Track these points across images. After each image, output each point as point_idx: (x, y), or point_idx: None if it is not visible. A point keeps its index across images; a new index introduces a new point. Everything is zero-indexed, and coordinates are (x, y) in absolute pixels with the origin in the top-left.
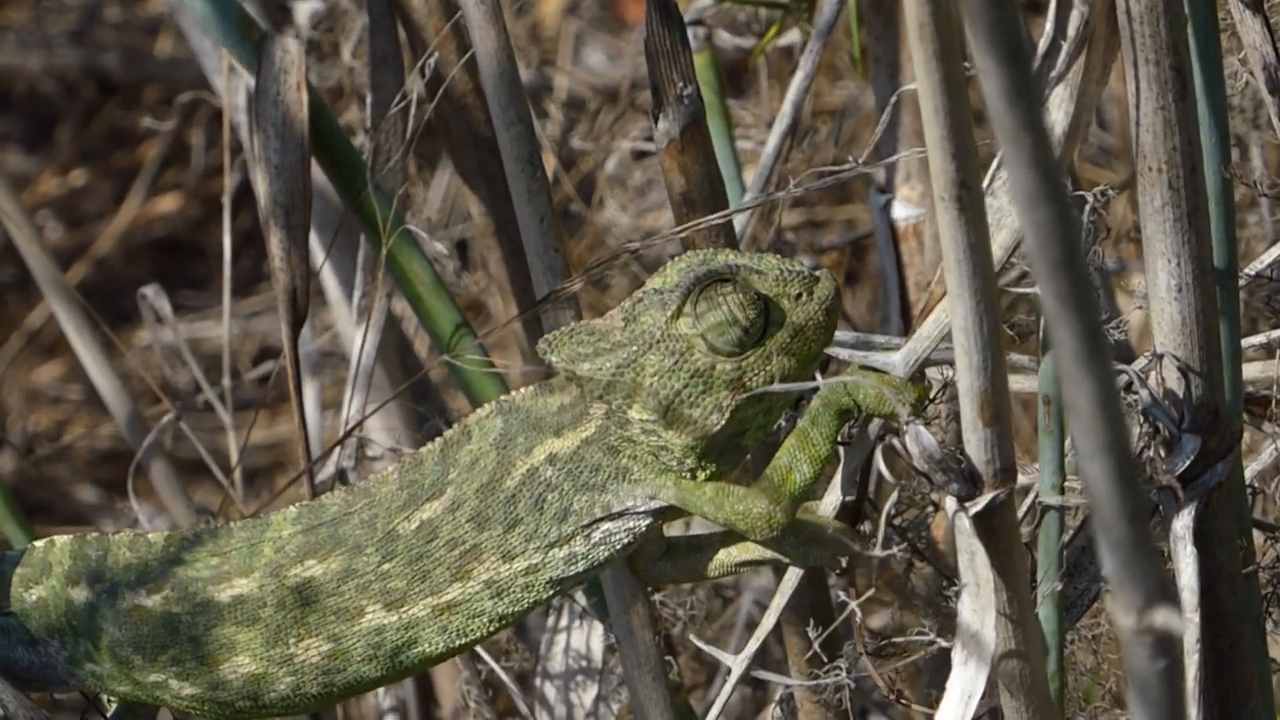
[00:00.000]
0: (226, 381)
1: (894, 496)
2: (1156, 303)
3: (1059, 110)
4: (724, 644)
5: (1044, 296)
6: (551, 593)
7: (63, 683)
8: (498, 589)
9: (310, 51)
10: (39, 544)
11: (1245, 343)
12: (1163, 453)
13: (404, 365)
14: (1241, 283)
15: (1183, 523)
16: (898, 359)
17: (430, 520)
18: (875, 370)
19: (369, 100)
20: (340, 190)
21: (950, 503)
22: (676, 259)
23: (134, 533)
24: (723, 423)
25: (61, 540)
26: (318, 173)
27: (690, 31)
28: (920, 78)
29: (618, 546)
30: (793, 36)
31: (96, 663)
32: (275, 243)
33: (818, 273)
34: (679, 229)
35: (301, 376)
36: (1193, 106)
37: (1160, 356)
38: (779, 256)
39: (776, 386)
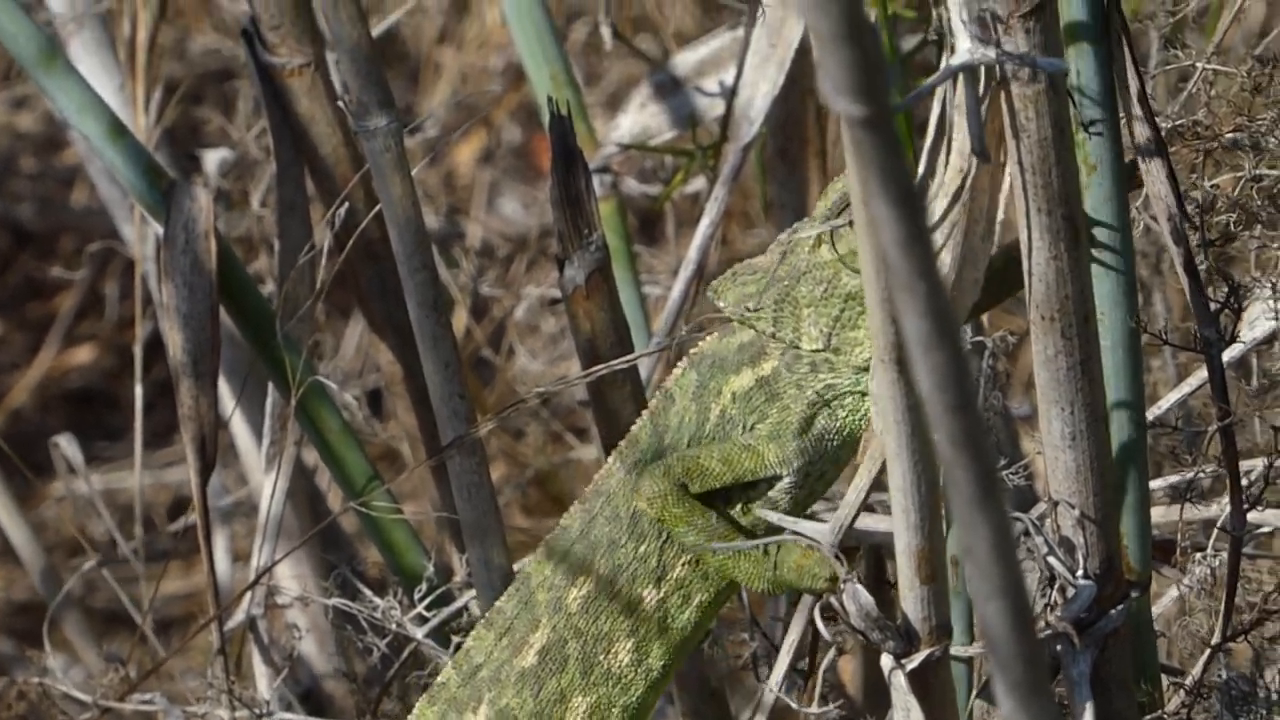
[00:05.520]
0: (139, 532)
1: (830, 654)
2: (1051, 450)
3: (939, 262)
4: None
5: (939, 441)
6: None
7: None
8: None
9: (219, 200)
10: None
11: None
12: (1060, 599)
13: (315, 515)
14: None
15: (1079, 668)
16: (826, 530)
17: None
18: (806, 538)
19: (276, 249)
20: (249, 340)
21: (886, 660)
22: (836, 179)
23: (425, 695)
24: None
25: None
26: (228, 320)
27: (597, 178)
28: (861, 240)
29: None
30: (701, 184)
31: None
32: (184, 391)
33: None
34: (584, 374)
35: (213, 525)
36: (1085, 255)
37: (1056, 504)
38: None
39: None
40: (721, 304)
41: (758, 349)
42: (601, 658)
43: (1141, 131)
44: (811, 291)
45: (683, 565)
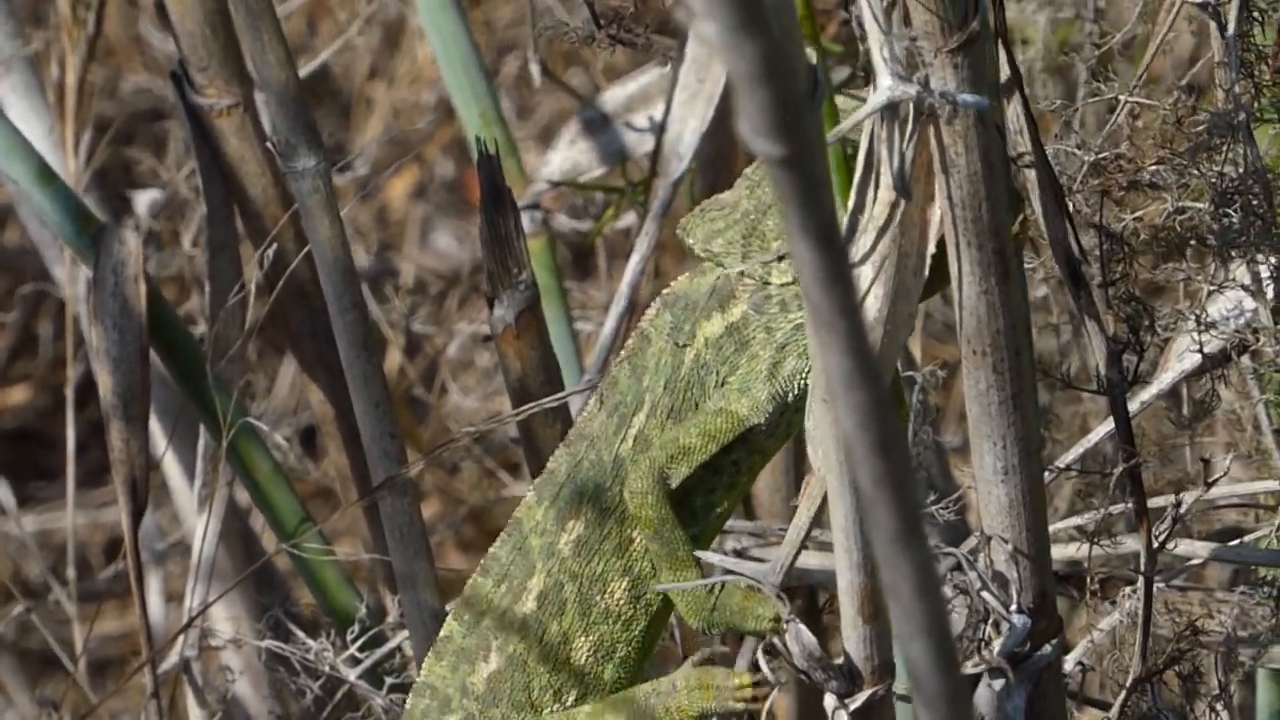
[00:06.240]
0: (71, 573)
1: (773, 695)
2: (984, 485)
3: (871, 296)
4: None
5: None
6: (757, 457)
7: None
8: (713, 469)
9: (151, 241)
10: None
11: (1064, 525)
12: (993, 633)
13: (249, 555)
14: (1073, 457)
15: (1014, 704)
16: (768, 570)
17: (641, 431)
18: (748, 578)
19: (207, 290)
20: (179, 382)
21: (830, 700)
22: None
23: (431, 653)
24: None
25: None
26: (159, 362)
27: (528, 215)
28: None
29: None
30: (632, 219)
31: None
32: (115, 434)
33: None
34: (515, 413)
35: (146, 566)
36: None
37: (989, 538)
38: None
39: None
40: (691, 241)
41: (727, 292)
42: (598, 598)
43: (1035, 175)
44: (779, 224)
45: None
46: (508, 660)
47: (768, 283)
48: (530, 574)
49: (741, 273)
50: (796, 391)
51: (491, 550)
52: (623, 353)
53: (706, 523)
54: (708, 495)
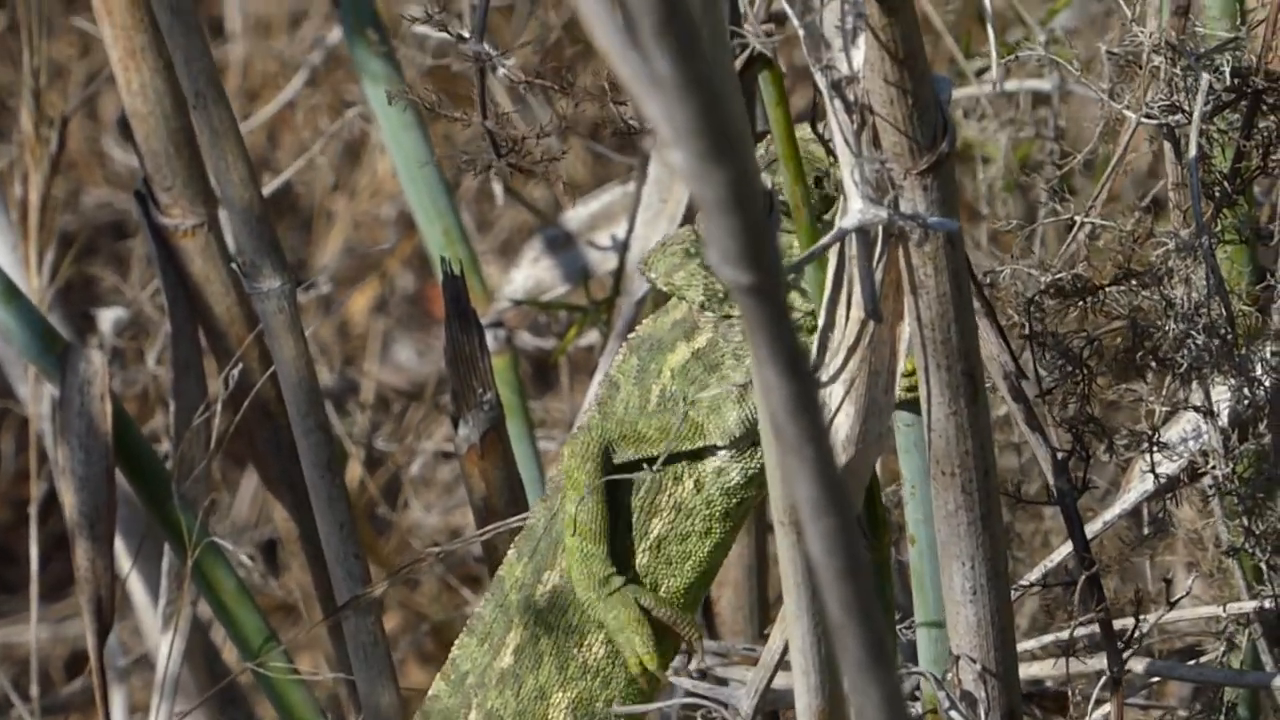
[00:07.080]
0: (35, 689)
1: None
2: (952, 605)
3: (842, 415)
4: None
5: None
6: (733, 501)
7: None
8: (685, 511)
9: (115, 359)
10: None
11: (1029, 645)
12: None
13: (213, 671)
14: (1036, 575)
15: None
16: (741, 695)
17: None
18: (719, 702)
19: (171, 409)
20: (144, 502)
21: None
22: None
23: (419, 713)
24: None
25: None
26: (124, 480)
27: (491, 333)
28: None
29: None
30: (595, 337)
31: None
32: (80, 553)
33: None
34: (480, 533)
35: (110, 683)
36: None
37: (957, 658)
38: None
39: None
40: (652, 275)
41: (691, 323)
42: (575, 651)
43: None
44: None
45: (643, 552)
46: (486, 716)
47: (730, 316)
48: (509, 628)
49: (703, 304)
50: None
51: (476, 610)
52: (594, 402)
53: (683, 573)
54: (682, 543)
